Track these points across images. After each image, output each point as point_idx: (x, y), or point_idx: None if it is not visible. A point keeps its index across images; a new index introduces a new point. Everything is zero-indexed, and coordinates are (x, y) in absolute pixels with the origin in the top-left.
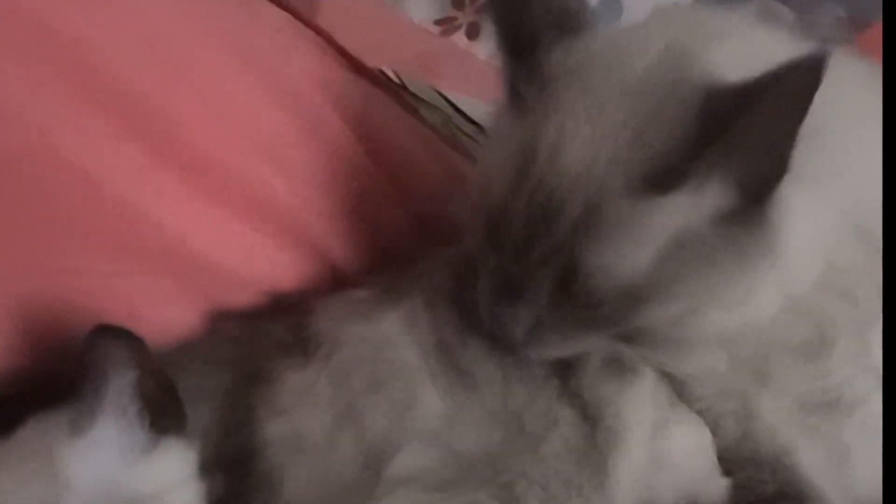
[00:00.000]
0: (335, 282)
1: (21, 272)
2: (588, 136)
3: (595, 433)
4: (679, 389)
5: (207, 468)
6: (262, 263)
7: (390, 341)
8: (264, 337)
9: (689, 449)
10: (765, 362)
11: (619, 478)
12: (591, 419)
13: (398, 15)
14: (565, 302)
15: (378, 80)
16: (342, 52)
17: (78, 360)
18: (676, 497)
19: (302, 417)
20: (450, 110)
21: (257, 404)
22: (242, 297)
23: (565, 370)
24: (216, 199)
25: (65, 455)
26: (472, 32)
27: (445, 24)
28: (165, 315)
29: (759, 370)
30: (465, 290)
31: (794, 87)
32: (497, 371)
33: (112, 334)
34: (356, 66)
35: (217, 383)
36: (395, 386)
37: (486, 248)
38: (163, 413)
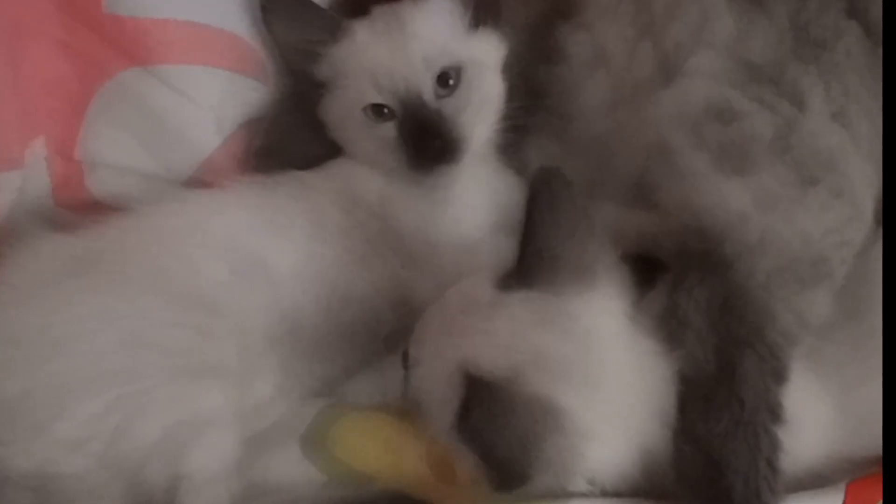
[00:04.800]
0: None
1: None
2: None
3: (877, 49)
4: None
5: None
6: None
7: None
8: None
9: None
10: None
11: None
12: (875, 35)
13: None
14: None
15: None
16: None
17: None
18: None
19: (604, 31)
20: None
21: (560, 29)
22: None
23: None
24: None
25: (409, 16)
26: None
27: None
28: None
29: None
30: None
31: None
32: None
33: None
34: None
35: (526, 11)
36: (693, 6)
37: None
38: (483, 6)
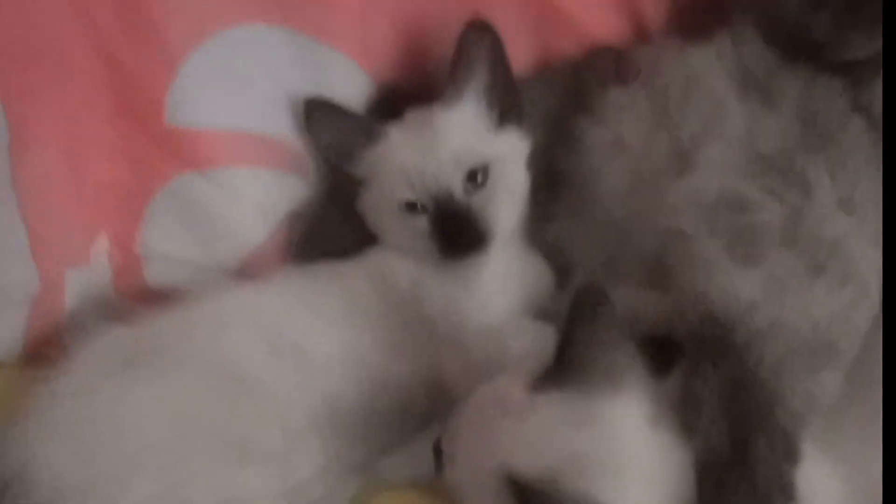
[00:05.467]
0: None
1: None
2: None
3: (880, 141)
4: None
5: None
6: (593, 14)
7: (702, 68)
8: (590, 67)
9: None
10: None
11: None
12: (878, 129)
13: None
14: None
15: None
16: None
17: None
18: None
19: (621, 125)
20: None
21: (580, 121)
22: (569, 45)
23: (857, 88)
24: None
25: (439, 119)
26: None
27: None
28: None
29: None
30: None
31: None
32: (796, 87)
33: (481, 28)
34: None
35: (547, 106)
36: (705, 100)
37: None
38: (508, 107)
